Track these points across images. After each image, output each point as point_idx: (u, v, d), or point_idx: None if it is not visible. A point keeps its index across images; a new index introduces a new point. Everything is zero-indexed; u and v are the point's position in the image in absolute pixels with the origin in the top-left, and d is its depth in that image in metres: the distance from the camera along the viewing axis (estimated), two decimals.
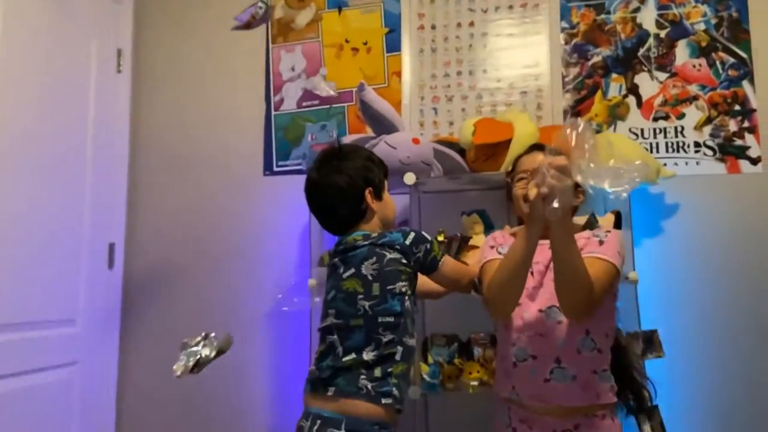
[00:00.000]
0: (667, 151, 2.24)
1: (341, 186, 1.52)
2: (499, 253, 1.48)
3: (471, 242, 2.08)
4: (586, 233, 1.45)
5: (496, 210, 2.18)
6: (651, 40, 2.29)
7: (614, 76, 2.30)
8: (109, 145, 2.41)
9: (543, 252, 1.41)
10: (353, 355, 1.42)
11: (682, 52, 2.27)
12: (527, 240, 1.28)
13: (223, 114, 2.58)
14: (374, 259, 1.47)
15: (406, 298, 1.48)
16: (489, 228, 2.14)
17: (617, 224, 1.91)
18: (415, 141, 2.04)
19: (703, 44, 2.26)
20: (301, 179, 2.21)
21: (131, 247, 2.52)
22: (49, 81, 2.10)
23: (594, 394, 1.37)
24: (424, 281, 1.58)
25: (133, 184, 2.57)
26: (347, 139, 2.23)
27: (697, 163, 2.21)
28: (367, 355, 1.42)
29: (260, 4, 2.06)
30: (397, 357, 1.43)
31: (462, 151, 2.14)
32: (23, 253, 1.96)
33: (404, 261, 1.48)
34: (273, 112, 2.55)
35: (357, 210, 1.54)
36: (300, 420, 1.46)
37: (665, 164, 2.19)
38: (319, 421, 1.39)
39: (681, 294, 2.13)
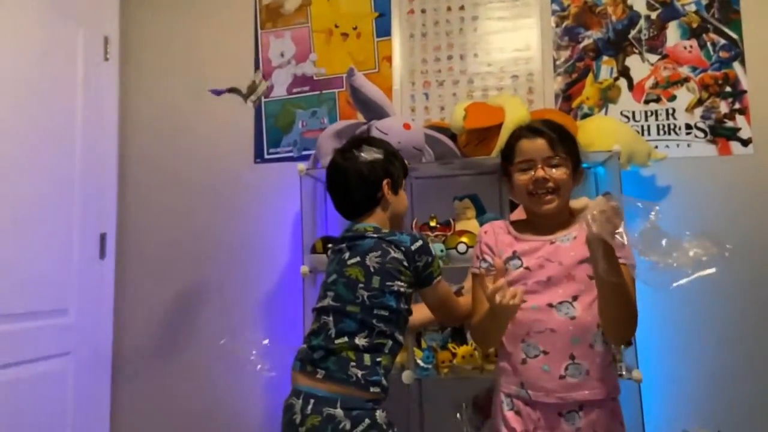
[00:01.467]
0: (658, 133, 2.23)
1: (362, 170, 1.57)
2: (482, 267, 1.47)
3: (462, 227, 2.08)
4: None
5: (488, 194, 2.19)
6: (642, 22, 2.28)
7: (605, 58, 2.29)
8: (99, 134, 2.39)
9: (543, 248, 1.41)
10: (345, 339, 1.45)
11: (673, 33, 2.27)
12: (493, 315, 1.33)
13: (212, 102, 2.54)
14: (379, 252, 1.50)
15: (402, 298, 1.50)
16: (481, 212, 2.14)
17: None
18: (406, 126, 2.03)
19: (694, 25, 2.25)
20: (293, 166, 2.23)
21: (122, 237, 2.51)
22: (36, 70, 2.08)
23: (612, 386, 1.36)
24: (418, 314, 1.64)
25: (123, 173, 2.55)
26: (338, 125, 2.22)
27: (689, 145, 2.21)
28: (360, 341, 1.44)
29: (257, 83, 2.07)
30: (386, 349, 1.46)
31: (453, 136, 2.14)
32: (14, 244, 1.95)
33: (405, 264, 1.50)
34: (263, 99, 2.53)
35: (372, 196, 1.59)
36: (289, 398, 1.47)
37: (656, 147, 2.19)
38: (312, 400, 1.40)
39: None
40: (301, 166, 2.12)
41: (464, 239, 1.98)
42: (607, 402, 1.36)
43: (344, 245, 1.57)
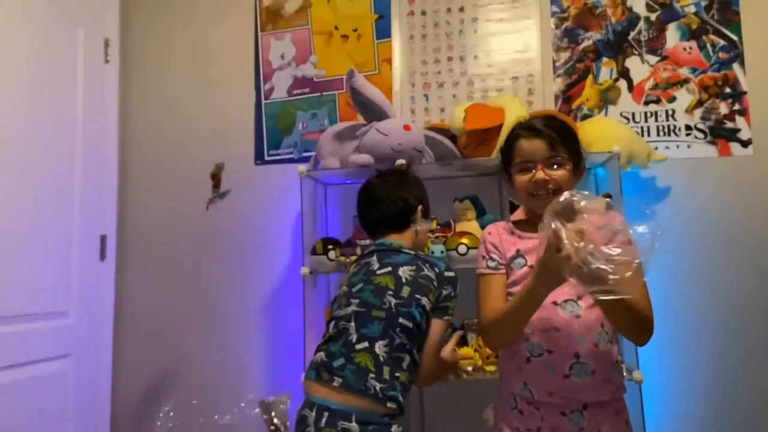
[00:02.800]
0: (658, 134, 2.24)
1: (402, 192, 1.68)
2: (489, 267, 1.43)
3: (462, 228, 2.09)
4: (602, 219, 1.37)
5: (489, 196, 2.19)
6: (641, 24, 2.29)
7: (605, 60, 2.30)
8: (99, 136, 2.39)
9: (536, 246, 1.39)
10: (366, 344, 1.43)
11: (672, 35, 2.27)
12: (534, 297, 1.22)
13: (213, 103, 2.56)
14: (414, 267, 1.54)
15: (425, 316, 1.50)
16: (481, 214, 2.14)
17: (608, 207, 1.92)
18: (407, 128, 2.03)
19: (694, 27, 2.26)
20: (293, 168, 2.23)
21: (123, 238, 2.51)
22: (36, 72, 2.08)
23: (615, 387, 1.34)
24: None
25: (123, 175, 2.55)
26: (338, 126, 2.22)
27: (688, 147, 2.22)
28: (380, 350, 1.42)
29: None
30: (404, 365, 1.44)
31: (453, 138, 2.14)
32: (14, 246, 1.95)
33: (435, 284, 1.54)
34: (263, 101, 2.53)
35: (407, 217, 1.67)
36: (302, 409, 1.44)
37: (656, 148, 2.19)
38: (326, 413, 1.37)
39: (672, 277, 2.14)
40: (302, 167, 2.13)
41: (464, 240, 1.98)
42: (612, 402, 1.34)
43: (373, 257, 1.59)
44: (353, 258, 1.97)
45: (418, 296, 1.49)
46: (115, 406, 2.43)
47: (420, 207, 1.69)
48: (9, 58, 1.96)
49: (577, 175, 1.42)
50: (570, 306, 1.32)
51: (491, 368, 1.93)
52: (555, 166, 1.37)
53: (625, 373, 1.82)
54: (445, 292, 1.55)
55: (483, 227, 2.09)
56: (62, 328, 2.16)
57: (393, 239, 1.65)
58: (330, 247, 2.09)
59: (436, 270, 1.55)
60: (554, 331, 1.33)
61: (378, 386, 1.39)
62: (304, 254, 2.11)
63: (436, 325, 1.54)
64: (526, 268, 1.39)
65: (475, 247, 1.96)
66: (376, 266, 1.57)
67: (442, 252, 2.00)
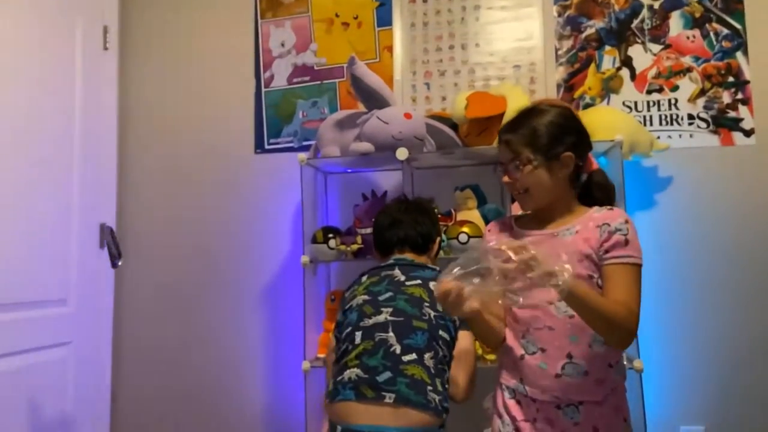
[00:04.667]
0: (660, 123, 2.22)
1: (425, 221, 1.72)
2: None
3: (464, 217, 2.08)
4: (603, 216, 1.32)
5: (490, 185, 2.18)
6: (645, 12, 2.27)
7: (608, 48, 2.28)
8: (97, 124, 2.37)
9: (544, 242, 1.35)
10: (414, 356, 1.38)
11: (675, 23, 2.25)
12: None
13: (212, 91, 2.55)
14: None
15: (456, 330, 1.51)
16: (482, 203, 2.13)
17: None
18: (407, 116, 2.02)
19: (697, 15, 2.24)
20: (293, 157, 2.22)
21: (122, 227, 2.50)
22: (34, 59, 2.06)
23: (610, 388, 1.32)
24: None
25: (122, 164, 2.53)
26: (338, 114, 2.21)
27: (691, 136, 2.21)
28: (428, 362, 1.40)
29: None
30: (446, 377, 1.44)
31: (455, 126, 2.13)
32: (13, 234, 1.93)
33: None
34: (263, 89, 2.51)
35: (425, 243, 1.70)
36: None
37: (659, 137, 2.18)
38: None
39: (674, 267, 2.14)
40: (302, 156, 2.11)
41: (465, 229, 1.97)
42: (609, 400, 1.32)
43: (395, 270, 1.58)
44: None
45: None
46: (116, 393, 2.43)
47: (438, 239, 1.74)
48: (7, 46, 1.94)
49: (559, 165, 1.34)
50: (564, 306, 1.28)
51: (491, 357, 1.92)
52: (519, 168, 1.35)
53: (625, 362, 1.82)
54: None
55: (484, 216, 2.09)
56: (62, 316, 2.15)
57: (412, 258, 1.65)
58: (330, 235, 2.08)
59: None
60: (548, 330, 1.32)
61: (437, 398, 1.36)
62: (304, 243, 2.11)
63: (467, 337, 1.53)
64: None
65: (476, 236, 1.96)
66: (402, 278, 1.55)
67: (442, 241, 2.00)
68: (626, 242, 1.28)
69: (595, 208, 1.37)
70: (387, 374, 1.35)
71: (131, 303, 2.49)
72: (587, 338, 1.30)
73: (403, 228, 1.68)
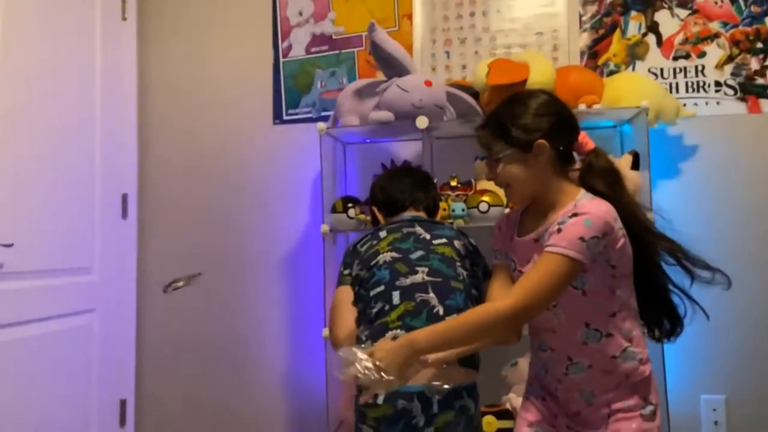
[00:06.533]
0: (687, 91, 2.17)
1: (434, 188, 1.77)
2: (496, 260, 1.44)
3: (484, 186, 2.06)
4: (569, 210, 1.26)
5: None
6: None
7: (633, 14, 2.22)
8: (117, 95, 2.38)
9: (530, 246, 1.32)
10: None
11: None
12: None
13: (230, 62, 2.53)
14: (464, 241, 1.58)
15: (481, 287, 1.53)
16: None
17: (635, 165, 1.88)
18: (428, 83, 1.99)
19: None
20: (312, 127, 2.21)
21: (144, 197, 2.53)
22: (53, 30, 2.06)
23: (622, 376, 1.29)
24: None
25: (142, 135, 2.55)
26: (358, 83, 2.19)
27: (718, 103, 2.16)
28: None
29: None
30: None
31: (476, 95, 2.10)
32: (38, 204, 1.97)
33: (479, 255, 1.60)
34: (281, 59, 2.50)
35: (437, 207, 1.75)
36: (392, 402, 1.35)
37: (685, 104, 2.13)
38: (437, 397, 1.34)
39: (699, 236, 2.10)
40: (321, 125, 2.10)
41: (486, 198, 1.96)
42: (623, 385, 1.30)
43: (416, 227, 1.58)
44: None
45: (475, 268, 1.54)
46: (139, 361, 2.48)
47: (443, 206, 1.77)
48: (26, 17, 1.95)
49: (534, 156, 1.29)
50: (558, 310, 1.29)
51: None
52: (496, 163, 1.33)
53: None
54: (483, 260, 1.59)
55: None
56: (86, 284, 2.19)
57: (425, 217, 1.67)
58: (350, 205, 2.08)
59: (473, 245, 1.60)
60: (551, 333, 1.33)
61: (477, 354, 1.43)
62: (323, 213, 2.11)
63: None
64: (516, 272, 1.37)
65: (497, 205, 1.95)
66: (428, 236, 1.55)
67: (462, 210, 1.99)
68: (558, 231, 1.22)
69: (582, 193, 1.29)
70: None
71: (153, 273, 2.52)
72: (578, 338, 1.29)
73: (415, 189, 1.70)
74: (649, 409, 1.29)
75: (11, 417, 1.82)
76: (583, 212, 1.22)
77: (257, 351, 2.42)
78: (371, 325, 1.44)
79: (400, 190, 1.69)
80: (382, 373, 1.16)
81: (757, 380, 2.06)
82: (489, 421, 1.91)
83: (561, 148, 1.30)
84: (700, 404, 2.09)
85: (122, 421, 2.36)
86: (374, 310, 1.44)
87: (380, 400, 1.35)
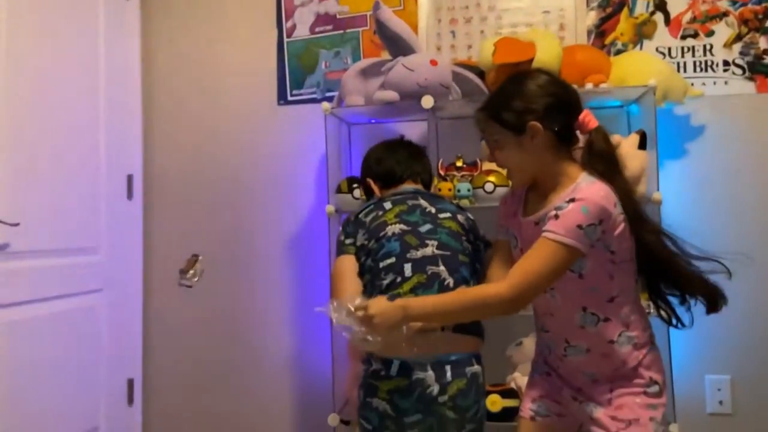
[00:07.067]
0: (695, 70, 2.15)
1: (428, 162, 1.79)
2: (499, 234, 1.47)
3: (490, 167, 2.05)
4: (567, 195, 1.25)
5: None
6: None
7: None
8: (122, 75, 2.38)
9: (530, 227, 1.32)
10: (464, 288, 1.43)
11: None
12: None
13: (234, 42, 2.52)
14: (465, 215, 1.61)
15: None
16: None
17: (642, 145, 1.87)
18: (433, 62, 1.98)
19: None
20: (317, 108, 2.20)
21: (149, 178, 2.53)
22: (57, 11, 2.05)
23: (619, 361, 1.29)
24: None
25: (147, 115, 2.54)
26: (362, 63, 2.17)
27: (726, 83, 2.14)
28: None
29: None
30: None
31: (481, 74, 2.08)
32: (45, 183, 1.97)
33: (478, 231, 1.62)
34: (285, 39, 2.48)
35: (431, 181, 1.78)
36: (406, 375, 1.37)
37: (692, 84, 2.11)
38: (448, 366, 1.38)
39: (705, 217, 2.10)
40: (326, 104, 2.09)
41: (491, 178, 1.96)
42: (621, 369, 1.30)
43: (420, 200, 1.59)
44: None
45: (477, 242, 1.57)
46: (146, 341, 2.49)
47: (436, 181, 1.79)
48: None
49: (528, 138, 1.28)
50: (556, 293, 1.30)
51: None
52: (494, 149, 1.36)
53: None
54: (482, 234, 1.62)
55: None
56: (93, 264, 2.20)
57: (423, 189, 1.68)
58: (355, 186, 2.07)
59: (472, 220, 1.62)
60: (549, 316, 1.35)
61: (481, 325, 1.47)
62: (329, 193, 2.11)
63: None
64: (518, 250, 1.37)
65: (503, 185, 1.94)
66: (433, 209, 1.57)
67: (468, 190, 1.98)
68: (556, 217, 1.21)
69: (583, 176, 1.27)
70: None
71: (159, 252, 2.53)
72: (576, 321, 1.30)
73: (411, 161, 1.71)
74: (654, 388, 1.30)
75: (19, 396, 1.84)
76: (580, 197, 1.21)
77: (263, 330, 2.44)
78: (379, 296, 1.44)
79: (397, 162, 1.70)
80: (368, 336, 1.22)
81: (762, 360, 2.06)
82: (494, 400, 1.92)
83: (557, 129, 1.28)
84: (705, 384, 2.10)
85: (130, 400, 2.38)
86: (385, 282, 1.46)
87: (394, 371, 1.37)
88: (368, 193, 1.78)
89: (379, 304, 1.25)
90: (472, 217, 1.63)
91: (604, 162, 1.28)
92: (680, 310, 1.35)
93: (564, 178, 1.29)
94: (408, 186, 1.67)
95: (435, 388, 1.36)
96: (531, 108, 1.28)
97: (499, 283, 1.25)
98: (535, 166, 1.32)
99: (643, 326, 1.33)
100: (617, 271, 1.27)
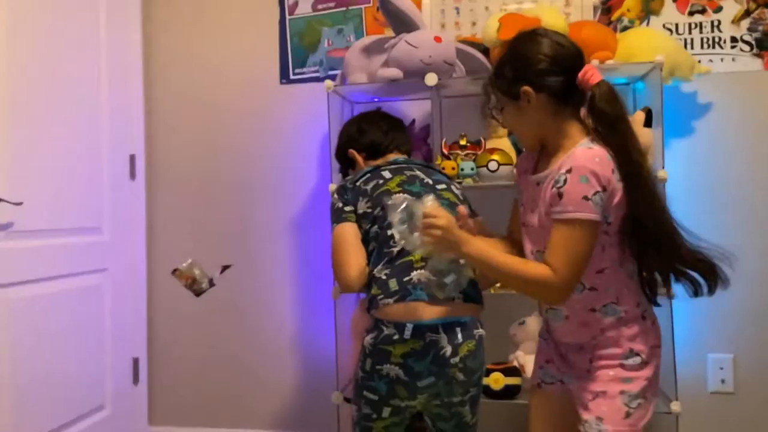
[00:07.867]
0: (702, 47, 2.13)
1: (410, 142, 1.84)
2: (518, 194, 1.44)
3: (494, 145, 2.04)
4: (563, 162, 1.23)
5: None
6: None
7: None
8: (124, 56, 2.36)
9: (532, 188, 1.32)
10: (462, 260, 1.44)
11: None
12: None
13: (236, 20, 2.49)
14: (456, 186, 1.64)
15: None
16: None
17: (648, 122, 1.86)
18: (437, 39, 1.95)
19: None
20: (319, 87, 2.18)
21: (151, 158, 2.52)
22: None
23: (597, 330, 1.28)
24: None
25: (149, 96, 2.52)
26: (366, 40, 2.15)
27: (733, 60, 2.11)
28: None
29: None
30: None
31: (486, 51, 2.06)
32: (48, 164, 1.97)
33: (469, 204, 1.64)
34: (287, 17, 2.45)
35: (410, 152, 1.81)
36: (420, 336, 1.37)
37: (699, 61, 2.09)
38: (459, 328, 1.40)
39: (711, 194, 2.09)
40: (329, 82, 2.07)
41: (495, 157, 1.95)
42: (599, 338, 1.29)
43: (416, 171, 1.59)
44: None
45: (472, 213, 1.57)
46: (151, 319, 2.51)
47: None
48: None
49: (523, 101, 1.27)
50: (541, 255, 1.27)
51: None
52: (498, 113, 1.38)
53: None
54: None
55: (515, 144, 2.05)
56: (97, 244, 2.21)
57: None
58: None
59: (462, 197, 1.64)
60: None
61: (482, 293, 1.50)
62: (332, 172, 2.10)
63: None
64: (521, 208, 1.39)
65: (507, 164, 1.93)
66: (430, 180, 1.58)
67: (472, 169, 1.98)
68: (559, 196, 1.19)
69: (583, 141, 1.24)
70: (452, 276, 1.38)
71: (163, 232, 2.53)
72: None
73: (394, 132, 1.73)
74: (635, 359, 1.27)
75: (25, 375, 1.86)
76: (575, 166, 1.18)
77: (266, 309, 2.45)
78: (392, 264, 1.45)
79: (383, 132, 1.71)
80: (416, 239, 1.29)
81: (765, 339, 2.07)
82: (496, 378, 1.93)
83: (555, 90, 1.26)
84: (707, 363, 2.10)
85: (135, 379, 2.40)
86: (395, 249, 1.45)
87: (407, 334, 1.37)
88: (347, 164, 1.79)
89: (449, 220, 1.27)
90: (459, 187, 1.67)
91: (603, 122, 1.24)
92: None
93: (567, 141, 1.27)
94: (397, 156, 1.69)
95: (448, 350, 1.37)
96: (521, 74, 1.27)
97: (552, 274, 1.21)
98: (538, 129, 1.32)
99: (636, 301, 1.29)
100: (609, 243, 1.25)
